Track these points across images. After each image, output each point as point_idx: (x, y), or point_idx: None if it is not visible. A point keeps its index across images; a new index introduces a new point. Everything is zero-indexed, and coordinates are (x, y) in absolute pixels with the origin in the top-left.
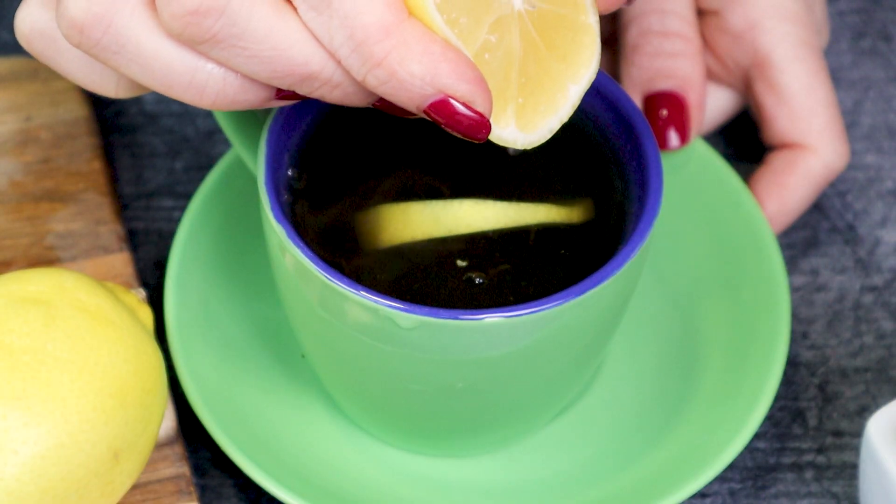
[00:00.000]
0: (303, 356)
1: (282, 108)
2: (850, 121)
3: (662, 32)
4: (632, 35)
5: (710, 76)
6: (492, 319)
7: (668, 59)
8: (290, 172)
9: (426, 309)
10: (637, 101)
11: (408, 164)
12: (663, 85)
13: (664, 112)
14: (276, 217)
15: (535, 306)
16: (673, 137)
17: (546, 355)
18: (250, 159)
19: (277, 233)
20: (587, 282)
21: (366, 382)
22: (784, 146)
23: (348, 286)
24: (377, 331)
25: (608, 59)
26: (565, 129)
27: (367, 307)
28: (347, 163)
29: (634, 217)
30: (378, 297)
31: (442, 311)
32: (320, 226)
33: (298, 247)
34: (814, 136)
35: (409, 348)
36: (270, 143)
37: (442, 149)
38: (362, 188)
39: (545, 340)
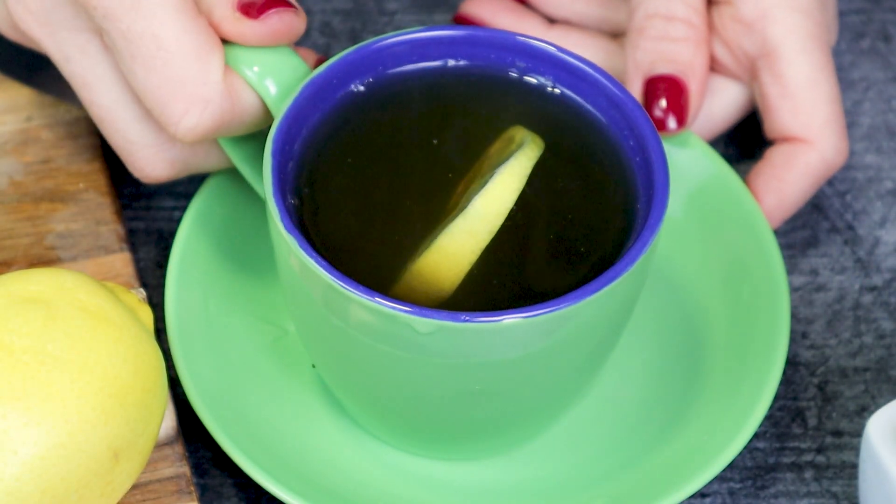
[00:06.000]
0: (313, 366)
1: (286, 116)
2: (850, 121)
3: (668, 17)
4: (638, 17)
5: (720, 67)
6: (510, 320)
7: (672, 43)
8: (296, 180)
9: (443, 313)
10: (639, 83)
11: (411, 165)
12: (665, 69)
13: (663, 96)
14: (286, 227)
15: (553, 305)
16: (671, 121)
17: (560, 354)
18: (248, 172)
19: (289, 243)
20: (602, 278)
21: (382, 390)
22: (784, 139)
23: (365, 294)
24: (395, 337)
25: (614, 49)
26: (569, 129)
27: (384, 314)
28: (352, 166)
29: (643, 213)
30: (396, 303)
31: (459, 315)
32: (327, 232)
33: (311, 256)
34: (814, 130)
35: (427, 353)
36: (276, 153)
37: (445, 146)
38: (368, 191)
39: (562, 339)
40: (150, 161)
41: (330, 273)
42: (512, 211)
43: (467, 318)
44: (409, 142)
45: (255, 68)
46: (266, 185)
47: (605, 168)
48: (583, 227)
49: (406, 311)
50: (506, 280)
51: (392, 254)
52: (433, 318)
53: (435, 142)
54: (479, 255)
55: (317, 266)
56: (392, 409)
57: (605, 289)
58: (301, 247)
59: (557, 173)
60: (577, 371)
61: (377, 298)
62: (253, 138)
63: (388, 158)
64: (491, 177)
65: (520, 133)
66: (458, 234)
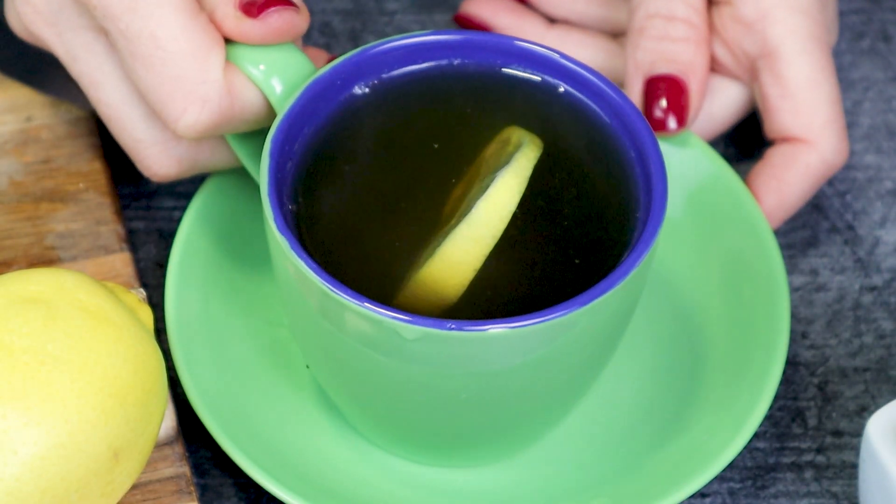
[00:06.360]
0: (307, 367)
1: (286, 117)
2: (850, 121)
3: (668, 17)
4: (639, 17)
5: (720, 67)
6: (496, 330)
7: (672, 43)
8: (293, 181)
9: (430, 320)
10: (639, 83)
11: (413, 169)
12: (665, 69)
13: (664, 96)
14: (279, 227)
15: (540, 316)
16: (671, 121)
17: (551, 366)
18: (254, 169)
19: (280, 243)
20: (592, 291)
21: (369, 393)
22: (785, 140)
23: (352, 298)
24: (381, 342)
25: (614, 49)
26: (571, 133)
27: (370, 319)
28: (352, 169)
29: (640, 223)
30: (382, 308)
31: (446, 322)
32: (324, 234)
33: (301, 258)
34: (815, 130)
35: (412, 360)
36: (274, 152)
37: (446, 150)
38: (368, 194)
39: (550, 351)
40: (157, 159)
41: (320, 276)
42: (514, 215)
43: (454, 326)
44: (411, 145)
45: (261, 66)
46: (262, 185)
47: (605, 172)
48: (583, 234)
49: (392, 317)
50: (510, 287)
51: (394, 261)
52: (420, 324)
53: (437, 145)
54: (482, 262)
55: (307, 269)
56: (381, 414)
57: (595, 302)
58: (293, 248)
59: (558, 177)
60: (568, 383)
61: (366, 303)
62: (260, 135)
63: (388, 162)
64: (492, 181)
65: (516, 134)
66: (462, 241)
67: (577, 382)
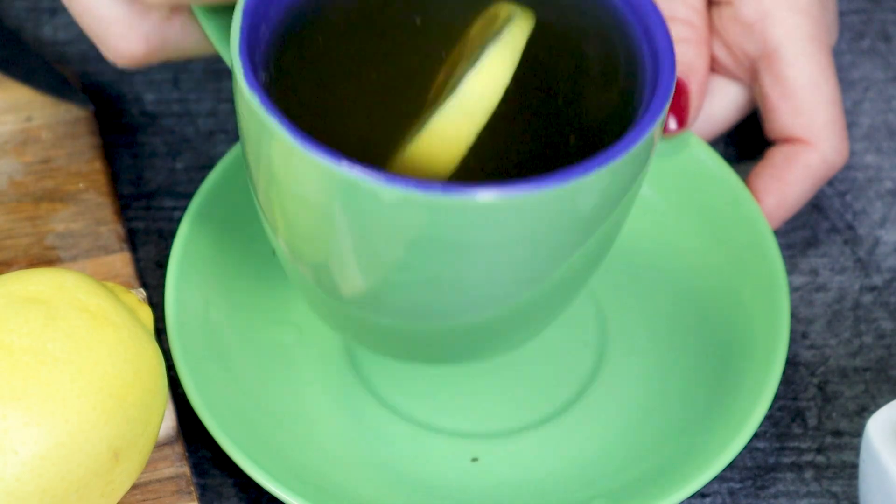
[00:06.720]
0: (273, 253)
1: None
2: (850, 121)
3: (669, 17)
4: None
5: (720, 68)
6: (486, 198)
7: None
8: (268, 47)
9: (411, 181)
10: None
11: (396, 44)
12: None
13: None
14: (249, 84)
15: (536, 184)
16: (671, 122)
17: (542, 245)
18: (225, 50)
19: (250, 101)
20: (590, 162)
21: (342, 274)
22: (785, 140)
23: (330, 158)
24: (357, 208)
25: None
26: (568, 11)
27: (346, 180)
28: (331, 41)
29: (644, 101)
30: (360, 167)
31: (430, 185)
32: (300, 106)
33: (273, 114)
34: (815, 131)
35: (391, 232)
36: (247, 12)
37: (435, 26)
38: (348, 68)
39: (544, 227)
40: (123, 37)
41: (292, 134)
42: (507, 89)
43: (440, 189)
44: (398, 20)
45: None
46: (233, 44)
47: (607, 49)
48: (582, 111)
49: (370, 178)
50: (504, 165)
51: (378, 138)
52: (399, 186)
53: (425, 22)
54: (475, 137)
55: (277, 124)
56: (351, 299)
57: (593, 173)
58: (262, 103)
59: (555, 52)
60: (557, 272)
61: (344, 163)
62: (231, 11)
63: (373, 35)
64: (482, 53)
65: (506, 8)
66: (453, 115)
67: (566, 274)
